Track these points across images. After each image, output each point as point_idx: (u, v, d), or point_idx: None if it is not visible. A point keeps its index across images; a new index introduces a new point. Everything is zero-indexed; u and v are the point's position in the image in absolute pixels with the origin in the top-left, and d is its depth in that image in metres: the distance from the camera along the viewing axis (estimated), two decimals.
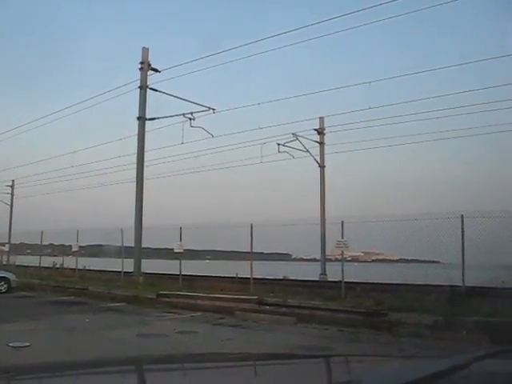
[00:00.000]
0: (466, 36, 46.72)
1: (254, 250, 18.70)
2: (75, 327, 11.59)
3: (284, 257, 33.68)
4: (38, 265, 29.70)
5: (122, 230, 24.04)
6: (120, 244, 23.78)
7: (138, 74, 23.14)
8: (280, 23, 52.55)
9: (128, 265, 22.83)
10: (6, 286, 19.56)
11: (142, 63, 23.01)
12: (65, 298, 18.23)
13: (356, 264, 25.81)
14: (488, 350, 2.29)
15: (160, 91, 23.19)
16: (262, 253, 26.31)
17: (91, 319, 12.99)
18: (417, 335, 10.14)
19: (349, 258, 20.38)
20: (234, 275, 20.77)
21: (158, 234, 24.81)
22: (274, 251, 31.00)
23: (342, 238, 16.02)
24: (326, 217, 26.80)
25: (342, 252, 15.77)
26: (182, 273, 20.85)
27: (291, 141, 27.29)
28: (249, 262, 18.41)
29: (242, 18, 64.07)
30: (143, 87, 22.85)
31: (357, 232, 17.51)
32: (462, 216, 14.35)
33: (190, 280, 20.23)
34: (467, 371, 1.94)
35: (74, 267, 26.45)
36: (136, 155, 23.11)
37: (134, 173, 23.32)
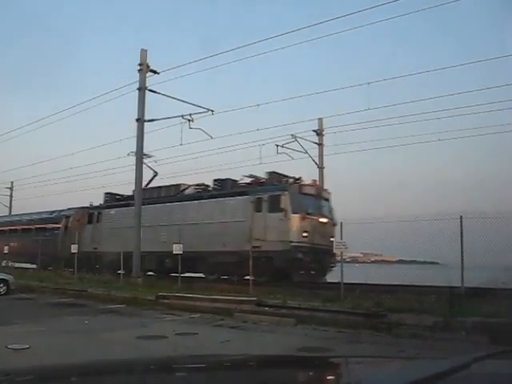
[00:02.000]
0: (467, 36, 46.86)
1: None
2: (74, 329, 11.56)
3: None
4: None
5: (121, 232, 24.06)
6: None
7: (137, 76, 23.17)
8: (279, 25, 52.60)
9: None
10: (4, 287, 19.52)
11: (140, 65, 23.02)
12: (64, 299, 18.19)
13: (357, 265, 25.79)
14: (488, 351, 2.29)
15: (159, 93, 23.23)
16: None
17: (90, 321, 12.96)
18: (416, 336, 10.14)
19: (348, 259, 20.33)
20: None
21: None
22: None
23: (341, 239, 16.01)
24: None
25: (341, 253, 15.76)
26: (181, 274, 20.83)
27: (290, 142, 27.31)
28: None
29: (240, 20, 64.14)
30: (142, 89, 22.86)
31: (356, 233, 17.51)
32: (461, 217, 14.36)
33: (189, 281, 20.21)
34: (467, 372, 1.94)
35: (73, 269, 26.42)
36: (135, 157, 23.12)
37: (132, 174, 23.36)
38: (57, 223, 32.70)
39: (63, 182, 37.19)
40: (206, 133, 23.71)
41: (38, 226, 33.99)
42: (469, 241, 14.36)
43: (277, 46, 23.71)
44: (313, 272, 20.94)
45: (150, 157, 25.75)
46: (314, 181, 23.95)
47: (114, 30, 64.81)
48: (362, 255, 30.27)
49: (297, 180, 22.64)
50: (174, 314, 14.34)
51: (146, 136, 23.14)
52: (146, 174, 24.14)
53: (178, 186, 26.72)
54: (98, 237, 29.17)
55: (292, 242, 20.16)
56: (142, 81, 22.95)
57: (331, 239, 19.17)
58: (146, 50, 23.31)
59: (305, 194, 21.55)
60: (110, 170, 34.32)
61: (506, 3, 25.60)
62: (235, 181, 24.42)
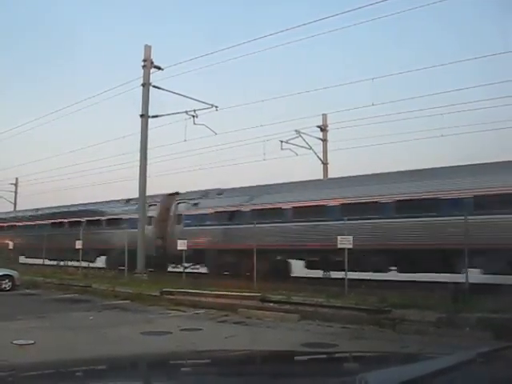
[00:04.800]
0: (469, 32, 46.60)
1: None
2: (79, 325, 11.61)
3: None
4: (41, 263, 29.75)
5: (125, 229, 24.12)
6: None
7: (141, 72, 23.17)
8: (283, 20, 52.48)
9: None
10: (9, 283, 19.60)
11: (144, 61, 23.03)
12: (69, 295, 18.25)
13: None
14: (491, 347, 2.29)
15: (163, 89, 23.23)
16: None
17: (95, 317, 13.01)
18: (420, 332, 10.13)
19: None
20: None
21: None
22: None
23: (346, 234, 15.99)
24: None
25: (345, 249, 15.74)
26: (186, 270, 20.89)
27: (294, 138, 27.26)
28: None
29: (245, 15, 63.91)
30: (146, 85, 22.87)
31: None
32: (466, 215, 14.39)
33: (194, 277, 20.26)
34: (471, 367, 1.94)
35: (77, 265, 26.50)
36: (139, 153, 23.15)
37: (137, 170, 23.38)
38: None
39: (67, 179, 37.23)
40: (210, 129, 23.72)
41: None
42: None
43: (281, 42, 23.72)
44: None
45: None
46: None
47: (117, 26, 64.80)
48: None
49: None
50: (179, 309, 14.38)
51: (150, 132, 23.19)
52: (149, 171, 24.05)
53: None
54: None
55: None
56: (146, 77, 22.96)
57: None
58: (150, 46, 23.33)
59: None
60: (114, 167, 34.22)
61: (506, 2, 25.43)
62: None
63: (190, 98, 23.55)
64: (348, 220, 16.51)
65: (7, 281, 19.61)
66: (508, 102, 21.64)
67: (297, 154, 27.76)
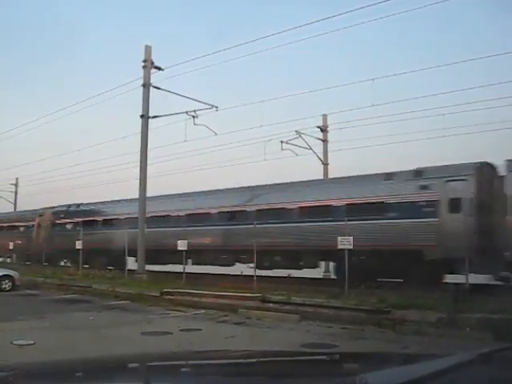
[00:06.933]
0: (469, 33, 46.69)
1: None
2: (79, 325, 11.62)
3: None
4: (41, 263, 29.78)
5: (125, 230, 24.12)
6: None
7: (141, 72, 23.14)
8: (284, 20, 52.52)
9: (131, 263, 23.09)
10: (10, 284, 19.61)
11: (144, 61, 22.98)
12: (69, 295, 18.27)
13: None
14: (492, 347, 2.28)
15: (163, 89, 23.17)
16: None
17: (95, 317, 13.01)
18: (420, 332, 10.14)
19: None
20: (239, 273, 20.86)
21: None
22: None
23: (346, 235, 15.97)
24: None
25: (346, 250, 15.72)
26: (186, 270, 20.88)
27: (294, 138, 27.21)
28: None
29: (245, 15, 64.02)
30: (146, 85, 22.83)
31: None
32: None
33: (194, 277, 20.25)
34: (471, 368, 1.94)
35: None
36: (139, 153, 23.11)
37: (137, 171, 23.35)
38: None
39: (68, 179, 37.28)
40: (211, 129, 23.66)
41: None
42: None
43: (281, 42, 23.69)
44: None
45: None
46: None
47: (117, 26, 64.82)
48: None
49: None
50: (179, 310, 14.39)
51: (150, 132, 23.15)
52: (149, 171, 24.06)
53: None
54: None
55: None
56: (146, 77, 22.92)
57: None
58: (151, 47, 23.27)
59: None
60: (115, 167, 34.23)
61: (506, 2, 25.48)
62: None
63: (191, 99, 23.53)
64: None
65: (7, 281, 19.62)
66: (510, 102, 21.55)
67: (297, 155, 27.73)
